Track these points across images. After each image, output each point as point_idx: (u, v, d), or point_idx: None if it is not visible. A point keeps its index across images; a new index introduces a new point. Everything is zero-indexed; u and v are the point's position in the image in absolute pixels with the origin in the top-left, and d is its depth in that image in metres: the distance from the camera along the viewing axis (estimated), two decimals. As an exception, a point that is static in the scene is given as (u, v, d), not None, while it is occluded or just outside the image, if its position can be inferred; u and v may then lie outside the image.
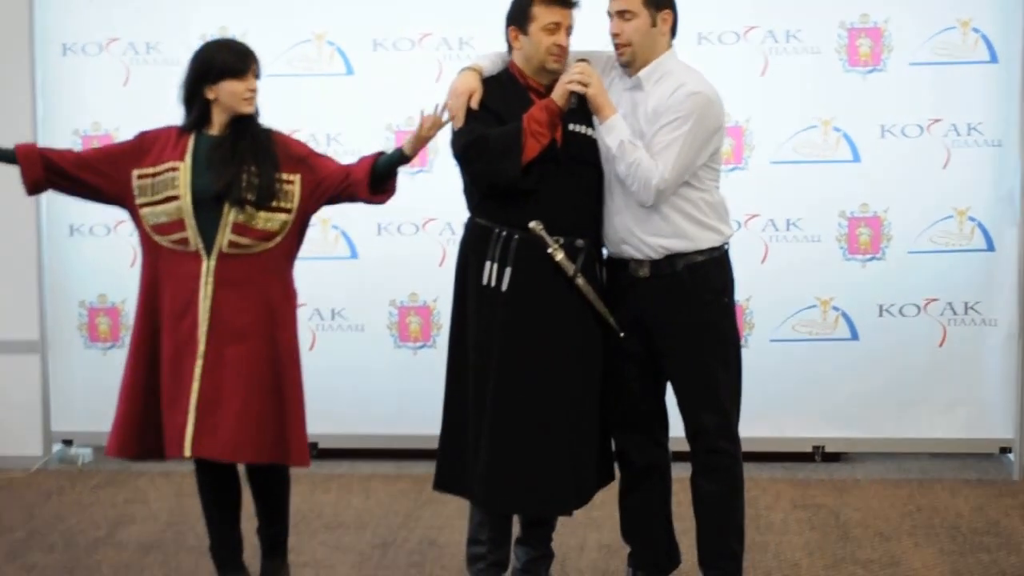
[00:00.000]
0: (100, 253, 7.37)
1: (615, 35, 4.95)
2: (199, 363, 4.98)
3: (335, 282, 7.28)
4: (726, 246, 5.09)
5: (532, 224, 4.90)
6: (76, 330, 7.43)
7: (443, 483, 5.21)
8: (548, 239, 4.91)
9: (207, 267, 5.00)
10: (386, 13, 7.20)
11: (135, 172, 5.02)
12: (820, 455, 7.22)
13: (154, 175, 5.00)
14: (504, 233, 4.96)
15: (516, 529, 5.34)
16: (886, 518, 6.32)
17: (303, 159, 5.16)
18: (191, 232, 4.97)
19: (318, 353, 7.31)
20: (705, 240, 4.99)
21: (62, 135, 7.25)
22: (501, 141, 4.87)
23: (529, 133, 4.86)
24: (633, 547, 5.37)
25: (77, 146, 7.21)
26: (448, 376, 5.18)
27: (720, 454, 5.07)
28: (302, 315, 7.18)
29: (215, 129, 5.05)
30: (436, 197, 7.05)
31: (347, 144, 7.20)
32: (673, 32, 5.02)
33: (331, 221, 7.22)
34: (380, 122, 7.20)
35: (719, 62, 6.86)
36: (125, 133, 7.17)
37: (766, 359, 7.02)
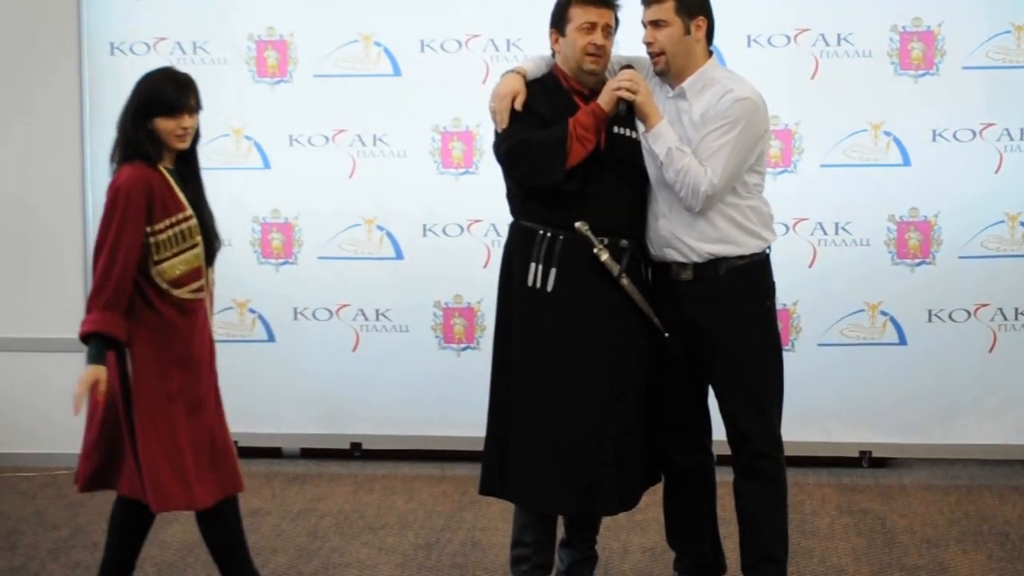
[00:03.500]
0: (147, 252, 7.39)
1: (648, 44, 4.94)
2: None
3: (380, 283, 7.28)
4: (767, 251, 5.06)
5: (578, 224, 4.88)
6: (122, 330, 7.44)
7: (489, 487, 5.19)
8: (593, 239, 4.89)
9: (211, 307, 5.02)
10: (434, 14, 7.19)
11: (149, 229, 4.79)
12: (867, 460, 7.17)
13: (172, 225, 4.83)
14: (549, 234, 4.95)
15: (560, 532, 5.32)
16: (933, 524, 6.27)
17: None
18: (205, 277, 4.93)
19: (362, 354, 7.33)
20: (750, 246, 4.98)
21: (108, 134, 7.21)
22: (546, 145, 4.86)
23: (575, 138, 4.85)
24: (678, 552, 5.35)
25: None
26: (493, 380, 5.17)
27: (763, 458, 5.03)
28: (347, 314, 7.28)
29: (168, 162, 4.91)
30: (481, 198, 7.05)
31: (393, 145, 7.21)
32: (709, 39, 4.99)
33: (376, 221, 7.23)
34: (427, 123, 7.20)
35: (769, 65, 6.85)
36: (172, 132, 7.23)
37: (813, 363, 6.99)
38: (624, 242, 4.96)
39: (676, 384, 5.10)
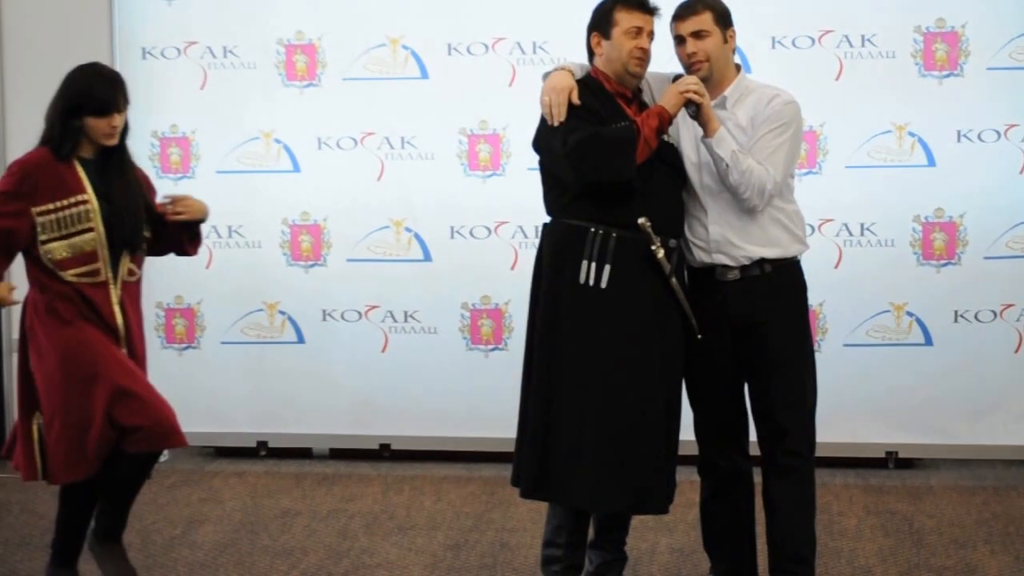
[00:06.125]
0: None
1: (692, 54, 5.00)
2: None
3: (408, 285, 7.33)
4: (799, 256, 5.14)
5: (641, 221, 4.89)
6: (153, 331, 7.49)
7: (532, 491, 5.13)
8: (653, 236, 4.92)
9: (116, 296, 5.10)
10: (461, 17, 7.24)
11: (34, 210, 4.98)
12: (894, 461, 7.18)
13: (58, 209, 4.99)
14: (600, 232, 4.97)
15: (589, 533, 5.34)
16: (961, 525, 6.28)
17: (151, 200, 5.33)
18: (103, 263, 5.05)
19: (390, 355, 7.37)
20: (793, 250, 5.08)
21: (141, 137, 7.27)
22: (618, 141, 4.88)
23: (642, 137, 4.89)
24: (715, 557, 5.33)
25: (155, 148, 7.33)
26: (537, 380, 5.08)
27: (795, 456, 5.05)
28: (375, 316, 7.33)
29: (89, 152, 5.08)
30: (508, 200, 7.09)
31: (421, 147, 7.25)
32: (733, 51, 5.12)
33: (404, 224, 7.28)
34: (454, 126, 7.24)
35: (794, 66, 6.89)
36: (202, 135, 7.32)
37: (840, 364, 6.99)
38: (673, 241, 5.01)
39: (718, 389, 5.14)
